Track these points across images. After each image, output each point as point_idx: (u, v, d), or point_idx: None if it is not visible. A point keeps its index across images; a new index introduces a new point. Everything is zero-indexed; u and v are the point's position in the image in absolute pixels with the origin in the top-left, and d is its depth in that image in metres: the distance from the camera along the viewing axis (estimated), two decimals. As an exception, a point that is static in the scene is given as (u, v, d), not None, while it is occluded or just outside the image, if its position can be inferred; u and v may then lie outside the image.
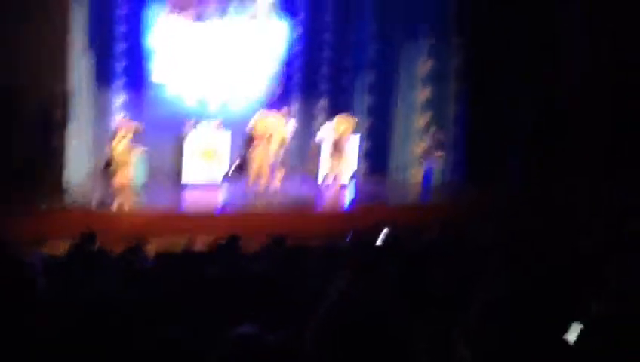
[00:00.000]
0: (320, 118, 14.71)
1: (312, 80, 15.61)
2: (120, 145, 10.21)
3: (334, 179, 12.38)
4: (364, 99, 15.02)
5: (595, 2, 11.99)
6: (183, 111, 13.63)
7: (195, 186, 12.03)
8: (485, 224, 7.83)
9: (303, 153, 13.59)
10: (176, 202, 11.18)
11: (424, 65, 14.18)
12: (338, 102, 15.61)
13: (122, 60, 13.72)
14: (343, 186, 12.64)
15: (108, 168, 10.11)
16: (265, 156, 11.58)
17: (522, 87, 12.91)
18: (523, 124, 13.02)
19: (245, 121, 12.25)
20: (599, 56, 11.92)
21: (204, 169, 12.33)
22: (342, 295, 1.72)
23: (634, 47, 11.52)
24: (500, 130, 13.25)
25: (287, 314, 3.12)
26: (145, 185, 11.26)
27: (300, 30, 15.27)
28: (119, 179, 9.85)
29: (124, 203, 9.79)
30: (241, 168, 12.62)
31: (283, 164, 12.31)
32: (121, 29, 13.64)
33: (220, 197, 11.74)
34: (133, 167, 10.35)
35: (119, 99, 13.73)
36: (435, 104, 14.30)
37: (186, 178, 12.18)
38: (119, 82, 13.75)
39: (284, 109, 12.52)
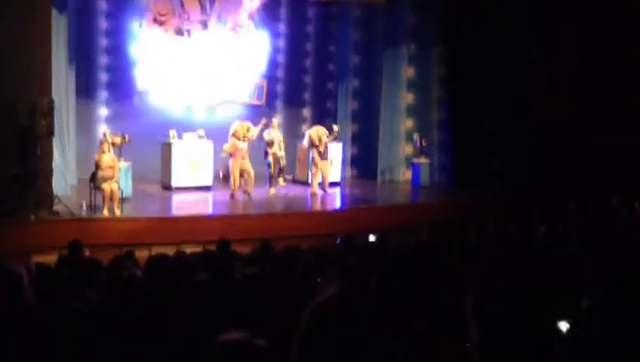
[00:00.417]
0: (305, 126, 14.82)
1: (295, 88, 15.72)
2: (105, 156, 10.19)
3: (322, 183, 12.44)
4: (347, 105, 15.15)
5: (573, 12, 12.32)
6: (168, 119, 13.64)
7: (183, 192, 12.04)
8: (472, 225, 7.90)
9: (290, 159, 13.65)
10: (165, 208, 11.17)
11: (406, 72, 14.34)
12: (322, 109, 15.74)
13: (105, 72, 13.73)
14: (330, 189, 12.71)
15: (94, 179, 10.09)
16: (247, 162, 11.65)
17: (501, 92, 13.13)
18: (504, 128, 13.22)
19: (227, 127, 12.29)
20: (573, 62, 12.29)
21: (191, 176, 12.37)
22: (327, 301, 1.73)
23: (602, 53, 11.88)
24: (482, 134, 13.44)
25: (276, 319, 3.14)
26: (132, 194, 11.24)
27: (281, 40, 15.37)
28: (106, 189, 9.82)
29: (112, 212, 9.76)
30: (227, 174, 12.68)
31: (274, 169, 12.42)
32: (104, 41, 13.66)
33: (208, 203, 11.79)
34: (119, 177, 10.33)
35: (103, 110, 13.74)
36: (418, 109, 14.47)
37: (174, 184, 12.20)
38: (103, 93, 13.75)
39: (264, 118, 12.63)
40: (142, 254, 6.05)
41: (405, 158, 14.48)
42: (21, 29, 9.25)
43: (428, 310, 2.32)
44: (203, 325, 3.30)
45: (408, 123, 14.50)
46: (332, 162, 12.86)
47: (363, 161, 15.05)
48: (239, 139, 11.65)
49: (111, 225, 9.48)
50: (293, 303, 3.37)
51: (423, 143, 13.85)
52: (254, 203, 11.47)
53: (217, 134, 12.45)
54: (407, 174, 14.34)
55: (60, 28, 10.91)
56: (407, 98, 14.48)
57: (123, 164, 10.99)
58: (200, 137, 12.65)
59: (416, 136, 13.97)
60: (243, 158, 11.62)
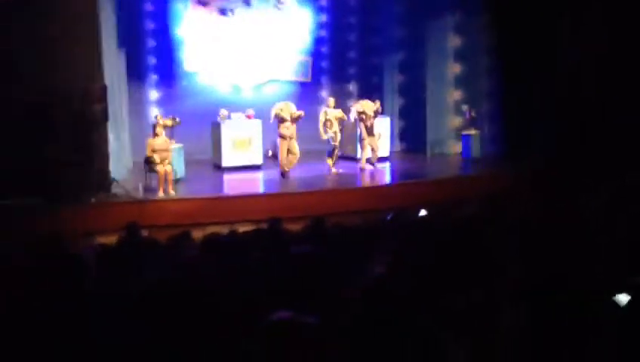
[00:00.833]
0: (351, 101, 14.79)
1: (340, 64, 15.68)
2: (158, 139, 10.44)
3: (371, 157, 12.46)
4: (394, 79, 15.03)
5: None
6: (216, 99, 13.86)
7: (234, 172, 12.24)
8: (522, 197, 7.80)
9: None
10: (217, 188, 11.39)
11: (452, 42, 14.10)
12: (368, 83, 15.67)
13: (154, 55, 14.00)
14: (379, 164, 12.72)
15: (148, 161, 10.36)
16: (294, 142, 11.68)
17: (549, 62, 12.74)
18: (552, 99, 12.85)
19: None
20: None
21: (241, 156, 12.55)
22: (375, 281, 1.76)
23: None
24: (532, 104, 13.10)
25: (327, 297, 3.20)
26: (185, 175, 11.51)
27: (324, 15, 15.31)
28: (160, 171, 10.08)
29: (167, 193, 10.03)
30: (276, 152, 12.80)
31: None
32: (150, 24, 13.91)
33: (258, 181, 11.96)
34: (172, 158, 10.58)
35: (154, 93, 14.04)
36: (466, 80, 14.24)
37: (225, 163, 12.41)
38: (153, 77, 14.04)
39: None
40: (197, 234, 6.22)
41: (454, 130, 14.32)
42: (69, 17, 9.48)
43: (472, 286, 2.34)
44: (256, 304, 3.41)
45: (456, 94, 14.29)
46: (380, 136, 12.82)
47: (411, 134, 14.94)
48: (285, 121, 11.68)
49: (166, 206, 9.74)
50: (344, 281, 3.45)
51: (473, 114, 13.65)
52: (304, 180, 11.57)
53: (265, 113, 12.58)
54: (457, 147, 14.19)
55: (107, 13, 11.13)
56: (454, 68, 14.25)
57: (175, 146, 11.25)
58: (249, 117, 12.79)
59: (465, 108, 13.78)
60: (291, 138, 11.67)
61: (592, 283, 2.31)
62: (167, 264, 4.72)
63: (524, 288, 1.99)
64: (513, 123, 13.49)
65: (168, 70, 14.14)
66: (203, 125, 12.91)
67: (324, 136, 12.07)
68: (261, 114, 12.72)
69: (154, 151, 10.29)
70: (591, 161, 10.87)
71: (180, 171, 11.32)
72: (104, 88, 9.88)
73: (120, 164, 11.33)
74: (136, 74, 13.49)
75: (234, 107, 13.12)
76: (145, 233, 6.96)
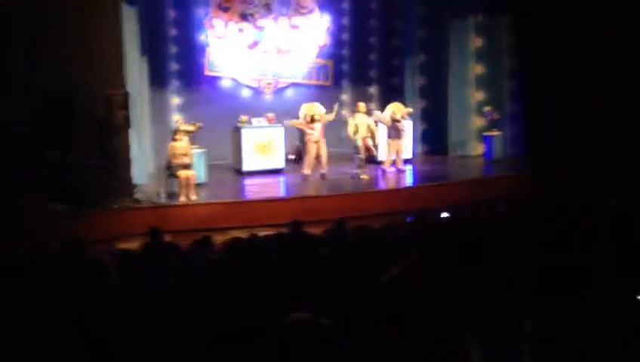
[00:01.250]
0: (372, 104, 14.74)
1: (361, 66, 15.65)
2: (179, 144, 10.50)
3: (394, 160, 12.42)
4: (415, 81, 14.96)
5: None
6: (237, 104, 13.92)
7: (255, 176, 12.26)
8: (546, 196, 7.70)
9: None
10: (238, 193, 11.42)
11: (474, 43, 14.00)
12: (389, 86, 15.62)
13: (175, 61, 14.11)
14: (404, 166, 12.68)
15: (170, 167, 10.42)
16: (320, 142, 11.69)
17: (571, 62, 12.56)
18: (574, 100, 12.65)
19: (296, 110, 12.38)
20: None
21: (261, 160, 12.57)
22: (391, 280, 1.73)
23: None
24: (552, 105, 12.92)
25: (347, 299, 3.18)
26: (206, 180, 11.55)
27: (345, 19, 15.31)
28: (182, 176, 10.13)
29: (189, 198, 10.07)
30: (299, 155, 12.80)
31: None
32: (173, 31, 14.03)
33: (280, 186, 11.97)
34: (193, 164, 10.63)
35: (176, 99, 14.14)
36: (488, 80, 14.11)
37: (245, 168, 12.44)
38: (175, 83, 14.14)
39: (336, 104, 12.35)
40: (218, 239, 6.23)
41: (477, 131, 14.19)
42: (93, 24, 9.58)
43: (494, 288, 2.30)
44: (277, 307, 3.39)
45: (478, 95, 14.17)
46: (405, 137, 12.77)
47: (434, 136, 14.84)
48: (310, 122, 11.69)
49: (188, 211, 9.78)
50: (365, 283, 3.42)
51: (495, 116, 13.53)
52: (326, 184, 11.55)
53: (287, 117, 12.58)
54: (479, 148, 14.06)
55: (130, 20, 11.23)
56: (476, 69, 14.13)
57: (197, 151, 11.30)
58: (270, 121, 12.82)
59: (487, 109, 13.67)
60: (317, 141, 11.65)
61: (613, 284, 2.26)
62: (188, 269, 4.73)
63: (542, 291, 1.95)
64: (535, 123, 13.32)
65: (190, 76, 14.23)
66: (224, 130, 12.96)
67: (357, 143, 11.84)
68: (282, 118, 12.73)
69: (174, 156, 10.35)
70: (614, 163, 10.71)
71: (202, 176, 11.37)
72: (127, 95, 9.97)
73: (142, 169, 11.41)
74: (158, 80, 13.58)
75: (255, 111, 13.14)
76: (168, 238, 6.99)
